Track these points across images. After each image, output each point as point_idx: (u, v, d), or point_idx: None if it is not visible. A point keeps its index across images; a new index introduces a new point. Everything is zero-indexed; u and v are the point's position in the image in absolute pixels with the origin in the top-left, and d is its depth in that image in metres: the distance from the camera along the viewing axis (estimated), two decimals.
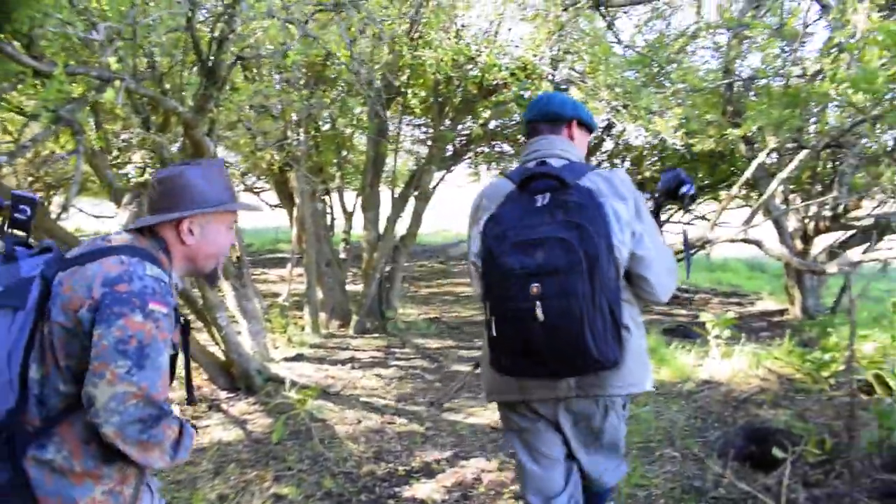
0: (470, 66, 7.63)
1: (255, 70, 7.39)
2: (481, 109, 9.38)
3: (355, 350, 7.52)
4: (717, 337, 6.42)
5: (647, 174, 13.24)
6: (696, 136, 9.79)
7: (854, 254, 8.24)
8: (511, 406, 2.60)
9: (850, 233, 8.86)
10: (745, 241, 5.84)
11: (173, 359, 1.90)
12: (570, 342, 2.16)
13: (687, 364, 6.35)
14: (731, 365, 6.16)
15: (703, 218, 16.25)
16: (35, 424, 1.74)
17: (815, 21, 7.95)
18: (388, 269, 8.85)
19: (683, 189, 2.76)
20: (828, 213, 7.61)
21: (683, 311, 10.13)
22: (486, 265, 2.32)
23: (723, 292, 12.45)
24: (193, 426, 1.97)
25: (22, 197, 1.91)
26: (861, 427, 3.78)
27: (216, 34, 4.60)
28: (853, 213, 7.64)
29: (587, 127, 2.66)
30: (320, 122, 8.97)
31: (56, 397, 1.75)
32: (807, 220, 8.84)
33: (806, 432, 4.49)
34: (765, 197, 5.82)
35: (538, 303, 2.15)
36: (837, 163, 9.55)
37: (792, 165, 5.50)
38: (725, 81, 8.45)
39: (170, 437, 1.78)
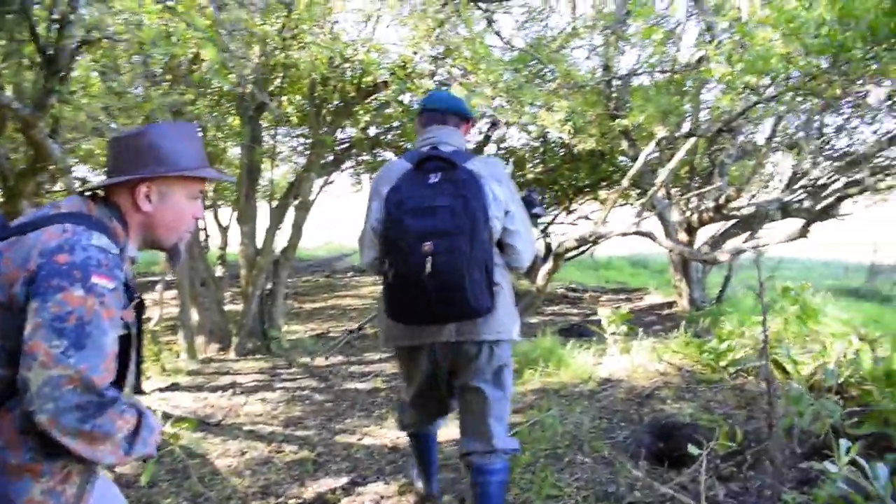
0: (347, 66, 7.26)
1: (108, 61, 6.70)
2: (361, 113, 9.01)
3: (237, 374, 6.95)
4: (613, 334, 6.30)
5: (530, 176, 13.27)
6: (579, 134, 9.82)
7: (738, 242, 8.38)
8: (404, 350, 3.05)
9: (730, 223, 9.06)
10: (637, 233, 5.74)
11: (125, 340, 1.67)
12: (453, 291, 2.61)
13: (586, 363, 6.18)
14: (630, 360, 6.03)
15: (585, 218, 16.54)
16: None
17: (690, 16, 8.09)
18: (269, 285, 8.30)
19: (533, 211, 3.25)
20: (710, 205, 7.68)
21: (575, 311, 10.07)
22: (386, 228, 2.76)
23: (611, 289, 12.56)
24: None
25: None
26: (778, 415, 3.64)
27: (55, 15, 4.00)
28: (734, 204, 7.74)
29: (470, 120, 3.18)
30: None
31: None
32: (689, 213, 8.96)
33: (713, 424, 4.36)
34: (656, 188, 5.75)
35: (429, 258, 2.59)
36: (715, 155, 9.82)
37: (680, 153, 5.42)
38: (605, 78, 8.45)
39: (123, 429, 1.58)
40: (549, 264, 6.03)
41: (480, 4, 7.50)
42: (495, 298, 2.75)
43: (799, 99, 3.91)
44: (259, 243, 8.05)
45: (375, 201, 2.88)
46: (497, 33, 7.26)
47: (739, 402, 5.06)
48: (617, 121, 6.33)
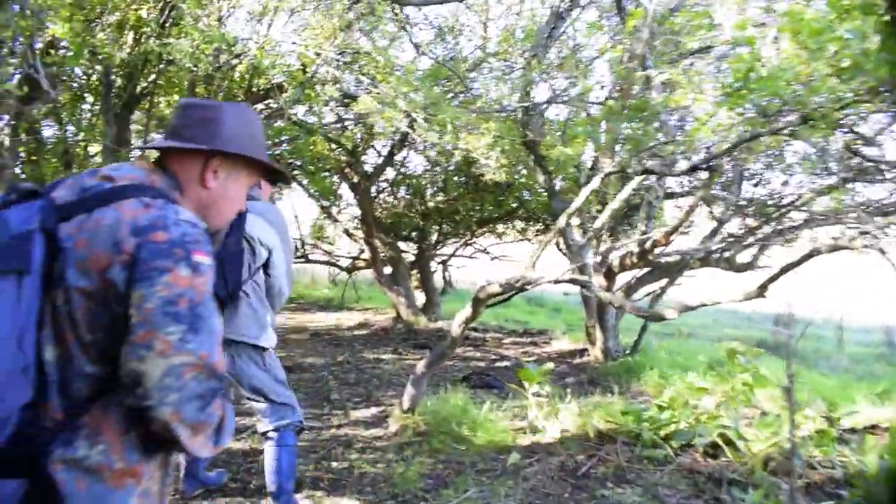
0: (235, 62, 6.18)
1: None
2: None
3: None
4: (536, 394, 5.44)
5: (431, 205, 12.46)
6: (489, 165, 9.05)
7: (678, 295, 7.78)
8: None
9: (645, 269, 8.49)
10: (572, 281, 4.92)
11: None
12: None
13: (505, 428, 5.28)
14: (555, 427, 5.19)
15: (484, 251, 15.84)
16: (56, 418, 1.40)
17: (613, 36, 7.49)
18: None
19: None
20: (634, 249, 7.04)
21: (478, 354, 9.20)
22: None
23: (513, 330, 11.78)
24: None
25: None
26: None
27: None
28: (660, 250, 7.13)
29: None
30: (39, 125, 6.98)
31: (81, 382, 1.43)
32: (607, 256, 8.31)
33: None
34: (558, 226, 4.96)
35: None
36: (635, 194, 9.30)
37: (592, 185, 4.63)
38: (523, 105, 7.70)
39: (217, 419, 1.47)
40: (467, 310, 5.12)
41: (396, 8, 6.60)
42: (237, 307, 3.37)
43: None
44: None
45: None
46: (412, 41, 6.37)
47: (691, 487, 4.29)
48: (558, 149, 5.52)
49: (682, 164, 3.70)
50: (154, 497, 1.54)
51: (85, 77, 7.04)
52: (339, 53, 6.09)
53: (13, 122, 6.24)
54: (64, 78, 7.06)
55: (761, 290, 4.54)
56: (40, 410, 1.39)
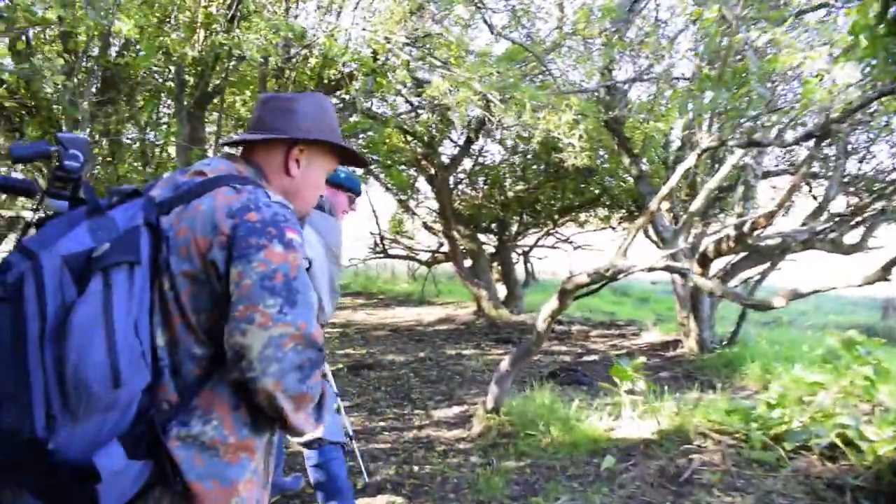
0: (305, 53, 6.01)
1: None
2: None
3: None
4: (629, 391, 5.06)
5: (511, 194, 12.11)
6: (569, 148, 8.66)
7: (791, 283, 7.24)
8: None
9: (741, 254, 7.93)
10: (668, 269, 4.51)
11: None
12: None
13: (597, 428, 4.92)
14: (651, 427, 4.80)
15: (566, 241, 15.37)
16: (171, 399, 1.49)
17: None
18: None
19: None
20: (731, 233, 6.53)
21: (563, 348, 8.82)
22: None
23: (599, 322, 11.33)
24: None
25: (71, 140, 1.53)
26: None
27: None
28: (759, 232, 6.59)
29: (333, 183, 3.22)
30: (114, 127, 6.98)
31: (191, 363, 1.50)
32: (698, 241, 7.81)
33: None
34: (650, 210, 4.56)
35: None
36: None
37: (722, 172, 4.23)
38: (605, 84, 7.28)
39: (318, 392, 1.53)
40: (553, 303, 4.78)
41: None
42: None
43: None
44: None
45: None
46: (486, 21, 6.04)
47: (810, 495, 3.85)
48: (647, 124, 5.10)
49: (790, 135, 3.28)
50: (262, 476, 1.59)
51: (159, 77, 7.00)
52: (411, 39, 5.83)
53: (88, 126, 6.23)
54: (140, 79, 7.05)
55: (885, 272, 4.03)
56: (157, 393, 1.48)
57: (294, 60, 6.22)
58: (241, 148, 1.80)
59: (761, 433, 4.45)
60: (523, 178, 12.12)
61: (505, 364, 5.12)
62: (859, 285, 4.12)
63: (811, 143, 5.91)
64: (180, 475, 1.45)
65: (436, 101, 5.48)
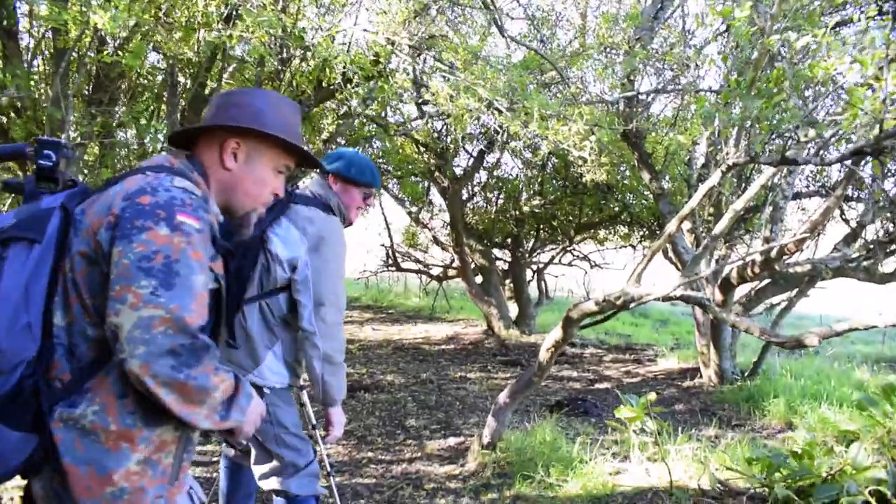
0: (301, 54, 5.63)
1: None
2: (325, 121, 7.35)
3: None
4: (640, 431, 4.59)
5: (527, 209, 11.65)
6: (589, 161, 8.22)
7: (823, 325, 6.72)
8: None
9: (766, 280, 7.42)
10: (686, 299, 4.05)
11: (215, 295, 1.61)
12: None
13: (603, 472, 4.45)
14: (662, 473, 4.32)
15: (584, 258, 14.87)
16: (65, 379, 1.50)
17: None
18: None
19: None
20: (757, 257, 6.04)
21: (574, 374, 8.34)
22: None
23: (615, 345, 10.81)
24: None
25: (46, 142, 1.67)
26: None
27: None
28: (791, 258, 6.10)
29: (343, 178, 2.99)
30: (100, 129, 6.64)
31: (85, 344, 1.52)
32: (722, 265, 7.30)
33: None
34: (668, 231, 4.09)
35: None
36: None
37: (750, 192, 3.80)
38: (626, 94, 6.83)
39: (219, 388, 1.51)
40: (557, 332, 4.33)
41: None
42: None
43: None
44: None
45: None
46: (497, 23, 5.60)
47: None
48: (669, 136, 4.65)
49: (833, 152, 2.83)
50: (166, 470, 1.56)
51: (152, 77, 6.65)
52: (415, 42, 5.43)
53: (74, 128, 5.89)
54: (136, 79, 6.72)
55: None
56: (51, 370, 1.49)
57: (289, 62, 5.84)
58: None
59: (785, 486, 3.96)
60: (540, 192, 11.68)
61: (504, 396, 4.67)
62: None
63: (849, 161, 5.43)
64: (59, 457, 1.45)
65: (440, 109, 5.06)
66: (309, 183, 3.06)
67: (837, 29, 4.68)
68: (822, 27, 3.16)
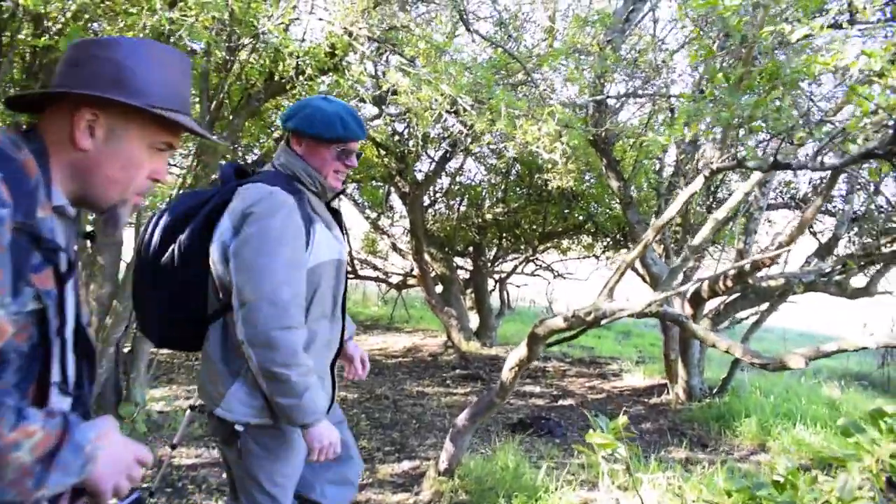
0: (251, 42, 5.21)
1: None
2: (271, 115, 6.93)
3: None
4: (609, 457, 4.24)
5: (489, 216, 11.31)
6: (555, 168, 7.91)
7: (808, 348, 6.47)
8: None
9: (735, 294, 7.16)
10: (660, 316, 3.73)
11: (39, 318, 1.18)
12: None
13: (569, 502, 4.09)
14: None
15: (547, 268, 14.57)
16: None
17: None
18: (128, 338, 6.08)
19: None
20: (731, 272, 5.76)
21: (537, 389, 7.99)
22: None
23: (578, 359, 10.50)
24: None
25: None
26: None
27: None
28: (765, 272, 5.83)
29: (307, 136, 2.35)
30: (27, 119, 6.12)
31: None
32: (691, 277, 7.03)
33: None
34: (644, 241, 3.75)
35: None
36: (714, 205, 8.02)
37: (734, 199, 3.50)
38: (595, 98, 6.54)
39: (22, 446, 1.06)
40: (521, 350, 3.97)
41: None
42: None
43: None
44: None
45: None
46: (463, 19, 5.24)
47: None
48: (647, 137, 4.33)
49: (834, 158, 2.54)
50: None
51: None
52: (374, 32, 5.05)
53: None
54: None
55: None
56: None
57: (239, 52, 5.42)
58: None
59: None
60: (504, 199, 11.35)
61: (462, 418, 4.29)
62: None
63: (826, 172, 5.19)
64: None
65: (401, 104, 4.69)
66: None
67: (837, 20, 4.42)
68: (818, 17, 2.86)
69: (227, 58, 5.56)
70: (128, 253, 5.99)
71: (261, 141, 7.50)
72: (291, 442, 2.30)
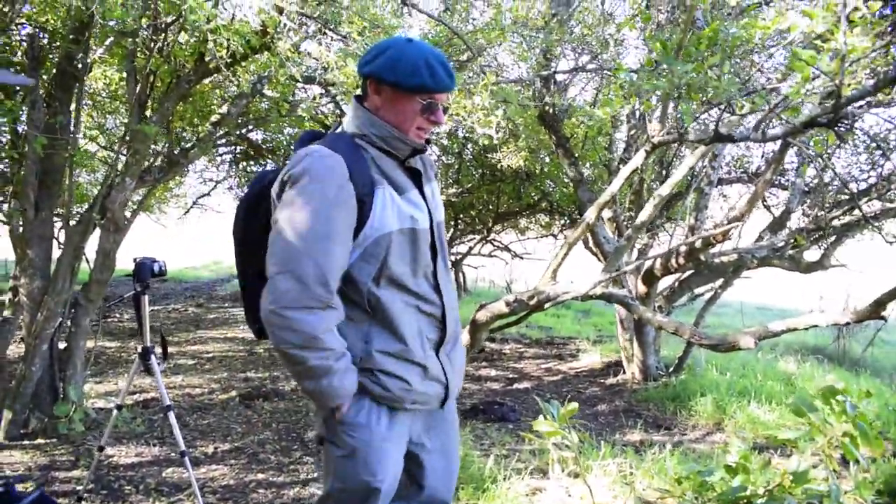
0: (173, 20, 4.94)
1: None
2: (214, 101, 6.62)
3: None
4: (561, 445, 4.11)
5: (443, 198, 11.10)
6: (506, 144, 7.73)
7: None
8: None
9: (689, 271, 7.08)
10: (607, 297, 3.58)
11: None
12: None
13: (518, 494, 3.95)
14: (584, 492, 3.86)
15: (505, 248, 14.46)
16: None
17: None
18: (63, 334, 5.79)
19: None
20: (682, 248, 5.66)
21: (493, 372, 7.86)
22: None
23: (535, 340, 10.40)
24: None
25: None
26: None
27: None
28: (718, 248, 5.74)
29: (386, 84, 1.98)
30: None
31: None
32: (644, 255, 6.93)
33: None
34: (586, 221, 3.62)
35: None
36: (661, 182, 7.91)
37: (677, 175, 3.35)
38: (543, 73, 6.37)
39: None
40: (464, 337, 3.81)
41: None
42: None
43: None
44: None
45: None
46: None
47: None
48: (592, 110, 4.16)
49: (777, 128, 2.39)
50: None
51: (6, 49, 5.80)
52: (305, 8, 4.80)
53: None
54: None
55: (878, 308, 3.18)
56: None
57: (166, 32, 5.14)
58: None
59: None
60: (458, 181, 11.18)
61: None
62: (847, 323, 3.25)
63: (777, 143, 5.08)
64: None
65: (328, 79, 4.45)
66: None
67: None
68: None
69: (152, 37, 5.27)
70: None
71: (195, 124, 7.17)
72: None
